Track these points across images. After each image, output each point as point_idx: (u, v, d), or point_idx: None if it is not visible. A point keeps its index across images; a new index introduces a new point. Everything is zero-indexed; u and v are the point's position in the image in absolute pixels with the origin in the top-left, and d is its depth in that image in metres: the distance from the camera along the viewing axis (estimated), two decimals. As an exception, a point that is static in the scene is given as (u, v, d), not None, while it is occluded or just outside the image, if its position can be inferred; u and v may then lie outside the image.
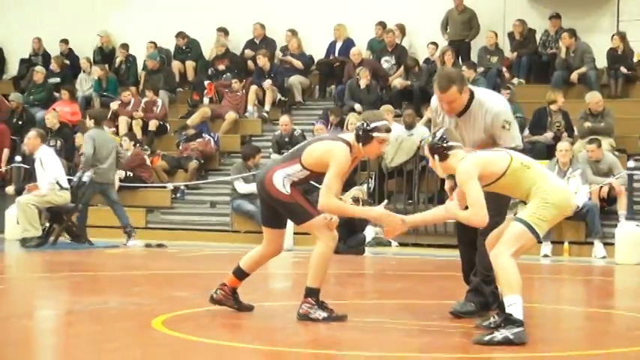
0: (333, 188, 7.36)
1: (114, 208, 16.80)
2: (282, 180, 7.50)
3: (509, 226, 6.64)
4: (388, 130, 7.49)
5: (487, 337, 6.44)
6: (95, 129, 16.87)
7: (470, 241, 7.86)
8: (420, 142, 15.97)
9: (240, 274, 7.93)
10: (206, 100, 21.09)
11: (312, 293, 7.50)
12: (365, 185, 16.68)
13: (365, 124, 7.41)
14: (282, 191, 7.49)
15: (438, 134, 6.91)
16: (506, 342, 6.31)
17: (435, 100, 7.91)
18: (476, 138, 7.62)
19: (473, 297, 7.86)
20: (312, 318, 7.41)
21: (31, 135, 16.19)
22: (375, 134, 7.37)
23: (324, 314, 7.45)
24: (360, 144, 7.42)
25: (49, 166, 15.53)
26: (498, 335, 6.38)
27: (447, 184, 7.83)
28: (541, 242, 6.54)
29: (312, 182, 8.70)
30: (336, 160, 7.36)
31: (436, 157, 6.84)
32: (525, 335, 6.37)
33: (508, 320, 6.39)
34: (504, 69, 19.57)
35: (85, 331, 7.44)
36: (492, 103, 7.66)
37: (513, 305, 6.39)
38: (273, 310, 8.59)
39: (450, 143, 6.82)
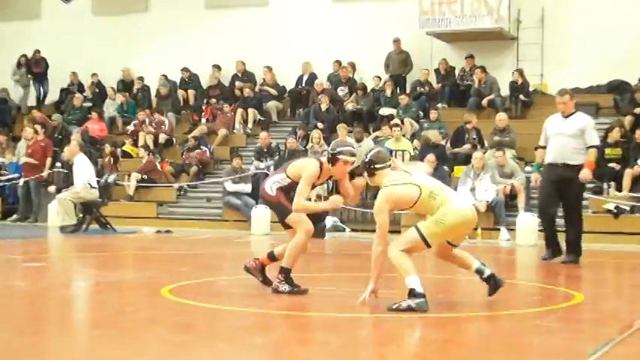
0: (304, 193, 7.29)
1: None
2: (270, 185, 7.45)
3: (410, 230, 6.57)
4: (352, 155, 7.33)
5: (395, 306, 6.30)
6: None
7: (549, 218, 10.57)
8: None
9: (272, 257, 7.72)
10: (203, 120, 21.04)
11: (282, 271, 7.38)
12: (325, 185, 16.63)
13: (333, 150, 7.37)
14: (270, 193, 7.43)
15: (368, 156, 6.78)
16: (409, 309, 6.20)
17: (546, 122, 10.46)
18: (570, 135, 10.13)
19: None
20: (279, 291, 7.30)
21: (73, 144, 16.10)
22: (340, 156, 7.23)
23: (289, 288, 7.31)
24: (330, 165, 7.32)
25: (83, 169, 15.41)
26: (403, 304, 6.25)
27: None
28: (430, 247, 6.32)
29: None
30: (307, 173, 7.27)
31: (365, 173, 6.83)
32: (426, 304, 6.23)
33: (411, 293, 6.27)
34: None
35: (108, 298, 7.42)
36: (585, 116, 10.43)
37: (412, 283, 6.29)
38: (253, 282, 8.54)
39: (376, 165, 6.71)
